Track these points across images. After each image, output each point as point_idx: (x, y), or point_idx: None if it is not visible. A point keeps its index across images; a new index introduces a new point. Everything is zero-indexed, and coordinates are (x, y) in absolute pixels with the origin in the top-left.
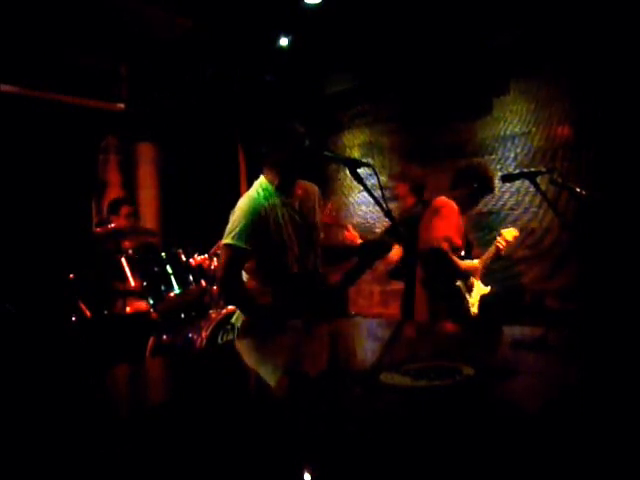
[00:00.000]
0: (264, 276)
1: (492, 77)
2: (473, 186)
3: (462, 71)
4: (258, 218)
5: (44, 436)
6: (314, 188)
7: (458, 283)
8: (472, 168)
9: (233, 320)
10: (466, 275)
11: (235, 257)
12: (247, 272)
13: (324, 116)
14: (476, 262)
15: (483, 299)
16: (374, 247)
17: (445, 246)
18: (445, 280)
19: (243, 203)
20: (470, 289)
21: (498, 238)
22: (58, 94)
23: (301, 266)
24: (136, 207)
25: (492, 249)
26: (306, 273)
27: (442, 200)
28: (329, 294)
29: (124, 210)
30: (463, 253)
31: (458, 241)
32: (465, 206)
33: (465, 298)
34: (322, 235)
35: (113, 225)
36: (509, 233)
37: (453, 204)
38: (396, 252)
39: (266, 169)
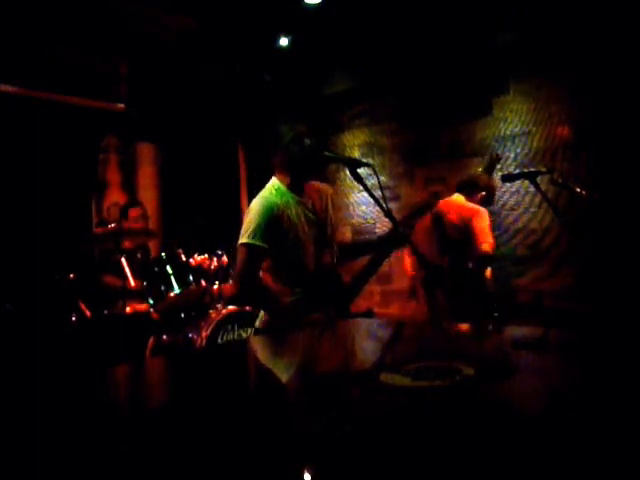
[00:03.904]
0: (284, 276)
1: (492, 77)
2: (482, 194)
3: (462, 71)
4: (272, 216)
5: (44, 436)
6: (327, 188)
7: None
8: (479, 178)
9: (257, 325)
10: None
11: (252, 256)
12: (267, 273)
13: (324, 116)
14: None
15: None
16: (390, 240)
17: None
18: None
19: (256, 203)
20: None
21: None
22: (58, 94)
23: (317, 264)
24: (144, 208)
25: None
26: (322, 271)
27: (475, 206)
28: (339, 297)
29: (132, 213)
30: None
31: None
32: None
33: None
34: (336, 232)
35: (114, 225)
36: None
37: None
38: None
39: (277, 170)
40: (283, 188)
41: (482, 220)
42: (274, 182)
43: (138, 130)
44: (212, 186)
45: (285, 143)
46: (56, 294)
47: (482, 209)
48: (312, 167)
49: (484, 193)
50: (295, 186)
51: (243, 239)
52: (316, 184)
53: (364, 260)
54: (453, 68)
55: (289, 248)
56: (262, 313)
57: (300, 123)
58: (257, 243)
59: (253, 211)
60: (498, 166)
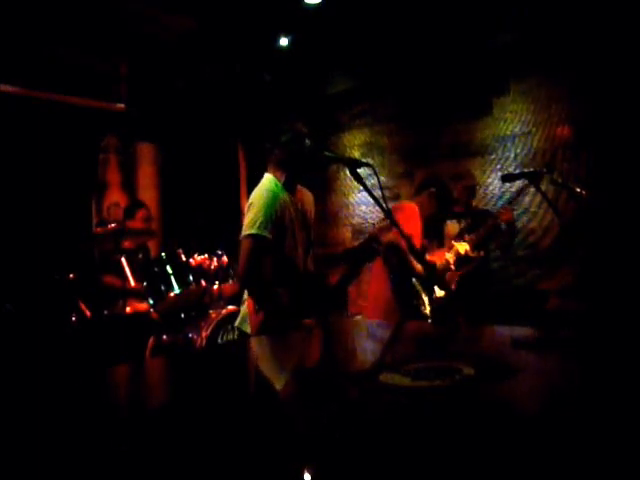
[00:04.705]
0: (276, 276)
1: (492, 77)
2: (431, 190)
3: (462, 71)
4: (278, 209)
5: (44, 436)
6: (310, 194)
7: (413, 281)
8: (431, 176)
9: (237, 323)
10: (420, 276)
11: (259, 247)
12: None
13: (324, 116)
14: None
15: (438, 301)
16: (359, 254)
17: (402, 244)
18: (401, 277)
19: (261, 195)
20: (426, 290)
21: (447, 255)
22: (58, 94)
23: (304, 267)
24: (149, 209)
25: (444, 262)
26: (306, 273)
27: (405, 203)
28: (329, 294)
29: (140, 214)
30: None
31: (417, 242)
32: (425, 210)
33: (420, 297)
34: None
35: (114, 225)
36: (461, 247)
37: (414, 206)
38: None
39: (271, 168)
40: (280, 185)
41: (401, 213)
42: (270, 178)
43: (138, 130)
44: (212, 186)
45: (285, 141)
46: (56, 294)
47: (409, 206)
48: (310, 167)
49: (432, 190)
50: (289, 185)
51: (251, 230)
52: (300, 187)
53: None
54: (453, 68)
55: (285, 247)
56: (243, 312)
57: (300, 122)
58: (265, 234)
59: (259, 203)
60: (498, 166)
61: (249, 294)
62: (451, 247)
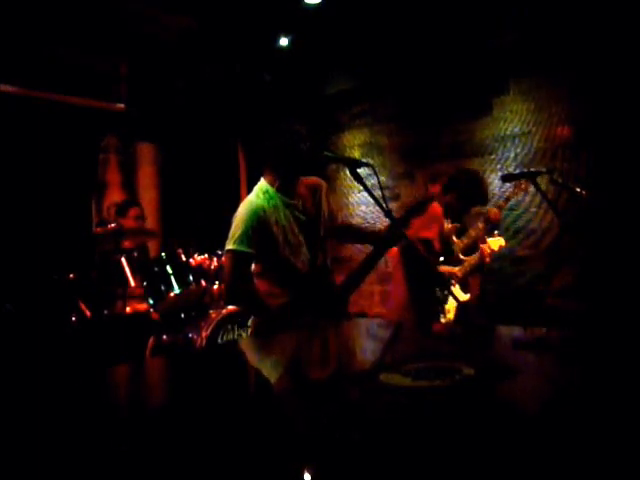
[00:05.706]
0: (274, 278)
1: (492, 77)
2: (459, 193)
3: (462, 71)
4: (258, 221)
5: (44, 436)
6: (320, 183)
7: (436, 289)
8: (462, 175)
9: (250, 323)
10: (444, 281)
11: (239, 261)
12: (256, 275)
13: (324, 116)
14: (456, 269)
15: (462, 306)
16: (387, 237)
17: (419, 246)
18: (420, 283)
19: (242, 208)
20: (446, 296)
21: (482, 246)
22: (58, 94)
23: (311, 265)
24: (143, 209)
25: (475, 257)
26: (315, 272)
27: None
28: (334, 297)
29: (132, 212)
30: (442, 258)
31: (437, 245)
32: (452, 212)
33: (441, 305)
34: (339, 220)
35: (114, 225)
36: (495, 242)
37: (437, 207)
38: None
39: (266, 171)
40: (272, 191)
41: (424, 216)
42: (262, 185)
43: (138, 130)
44: (212, 186)
45: (281, 143)
46: (56, 294)
47: (432, 209)
48: (307, 169)
49: (455, 195)
50: (285, 188)
51: (229, 245)
52: (308, 179)
53: (358, 260)
54: (453, 68)
55: (280, 251)
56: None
57: (298, 124)
58: (243, 249)
59: (239, 216)
60: (498, 166)
61: (235, 304)
62: (483, 242)
